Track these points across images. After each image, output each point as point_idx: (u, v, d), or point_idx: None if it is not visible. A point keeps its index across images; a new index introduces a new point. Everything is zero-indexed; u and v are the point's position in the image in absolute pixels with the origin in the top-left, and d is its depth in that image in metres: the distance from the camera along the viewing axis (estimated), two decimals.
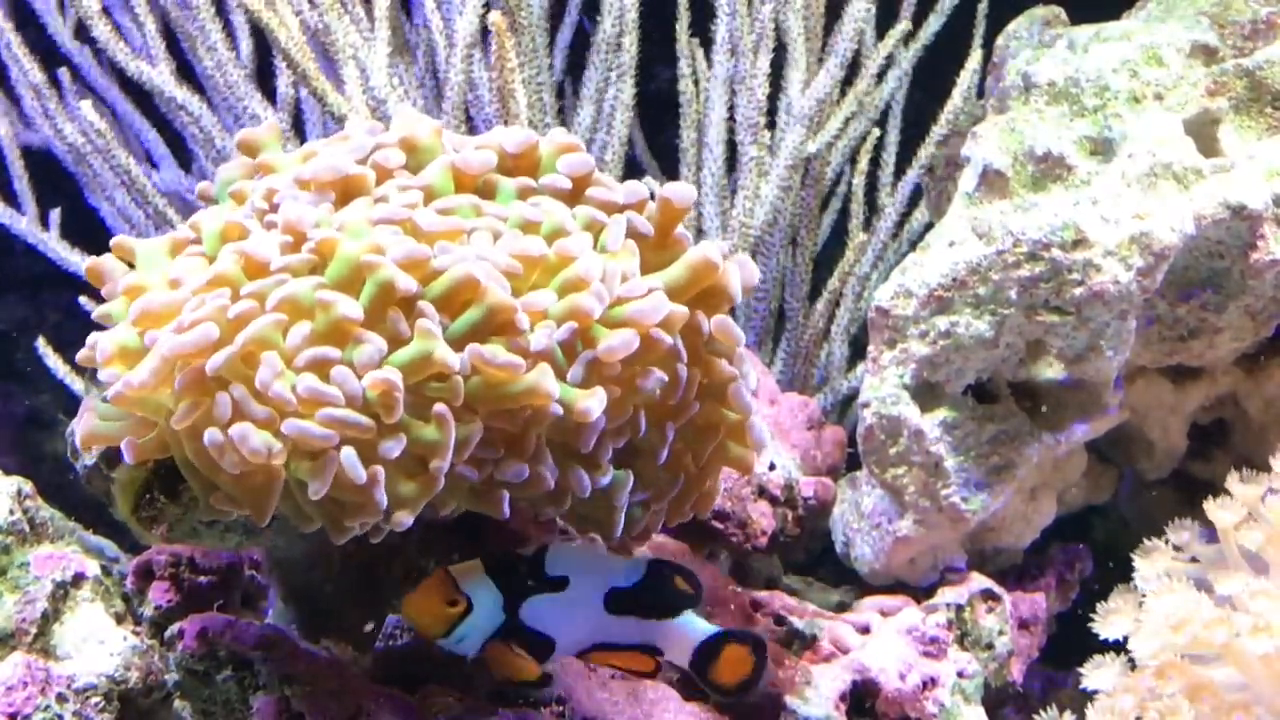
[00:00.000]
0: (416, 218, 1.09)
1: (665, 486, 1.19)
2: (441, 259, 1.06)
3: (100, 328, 1.11)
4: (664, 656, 1.17)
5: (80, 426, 1.10)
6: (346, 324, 1.03)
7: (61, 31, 2.08)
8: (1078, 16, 1.66)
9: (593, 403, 1.06)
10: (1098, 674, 1.26)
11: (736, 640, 1.17)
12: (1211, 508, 1.30)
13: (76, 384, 1.97)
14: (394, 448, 1.03)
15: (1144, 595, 1.27)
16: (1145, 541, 1.36)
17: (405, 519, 1.06)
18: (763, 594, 1.49)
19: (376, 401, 1.02)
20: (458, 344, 1.05)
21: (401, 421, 1.03)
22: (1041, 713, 1.28)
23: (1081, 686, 1.27)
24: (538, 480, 1.09)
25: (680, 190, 1.16)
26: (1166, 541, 1.36)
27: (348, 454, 1.02)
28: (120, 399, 1.04)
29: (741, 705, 1.35)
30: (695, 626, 1.16)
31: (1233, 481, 1.31)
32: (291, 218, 1.09)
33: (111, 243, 1.16)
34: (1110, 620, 1.28)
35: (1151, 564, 1.34)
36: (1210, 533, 1.34)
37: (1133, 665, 1.24)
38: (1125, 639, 1.26)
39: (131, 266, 1.15)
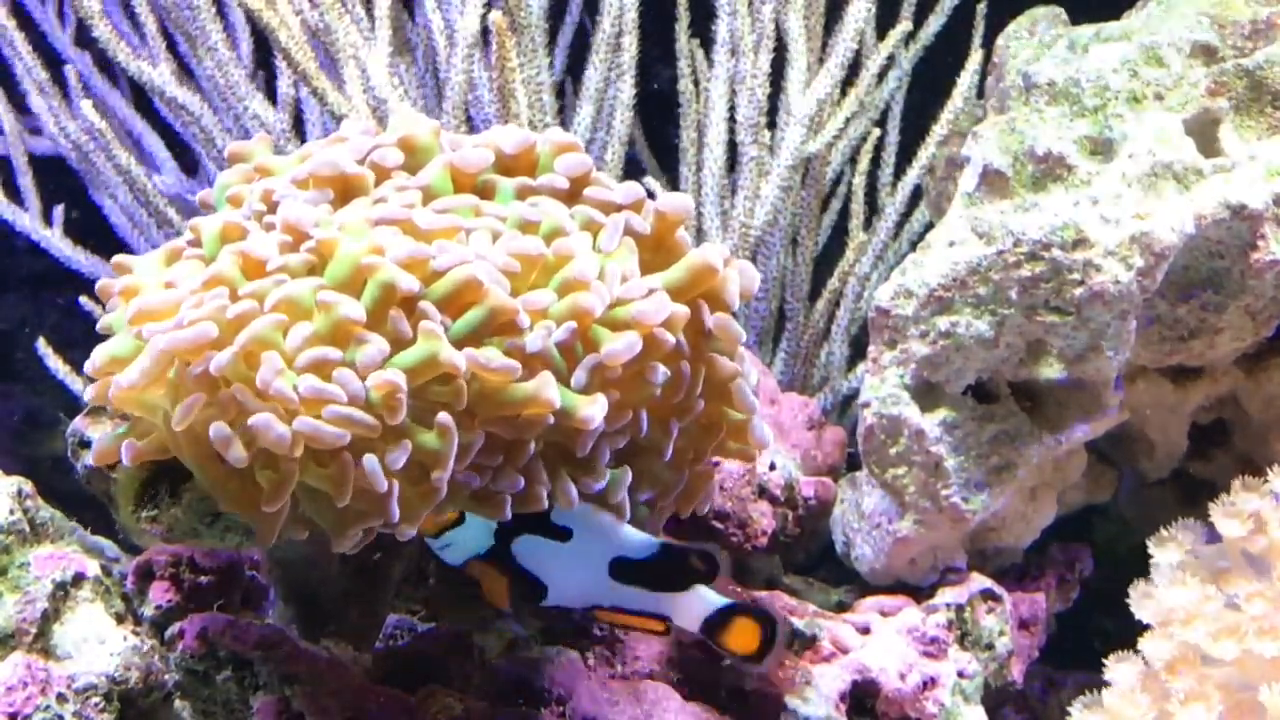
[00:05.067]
0: (415, 217, 1.09)
1: (670, 484, 1.19)
2: (441, 259, 1.06)
3: (103, 337, 1.12)
4: (674, 623, 1.19)
5: (94, 449, 1.11)
6: (349, 325, 1.03)
7: (61, 37, 2.08)
8: (1078, 16, 1.66)
9: (595, 410, 1.06)
10: (1120, 668, 1.26)
11: (746, 614, 1.19)
12: (1219, 519, 1.29)
13: (76, 384, 1.98)
14: (399, 457, 1.03)
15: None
16: (1163, 530, 1.35)
17: (409, 530, 1.07)
18: (763, 594, 1.49)
19: (380, 403, 1.01)
20: (459, 345, 1.04)
21: (405, 426, 1.03)
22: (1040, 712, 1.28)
23: (1105, 678, 1.27)
24: (534, 497, 1.10)
25: (675, 201, 1.16)
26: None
27: (370, 460, 1.02)
28: (116, 401, 1.04)
29: (741, 705, 1.36)
30: (706, 599, 1.18)
31: (1237, 489, 1.31)
32: (291, 217, 1.09)
33: (112, 262, 1.17)
34: (1144, 604, 1.28)
35: (1166, 553, 1.34)
36: (1212, 532, 1.33)
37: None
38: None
39: None
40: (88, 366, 1.08)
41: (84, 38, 1.98)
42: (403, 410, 1.02)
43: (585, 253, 1.10)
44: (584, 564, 1.16)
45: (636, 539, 1.17)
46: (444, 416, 1.03)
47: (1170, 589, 1.26)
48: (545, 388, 1.04)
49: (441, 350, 1.02)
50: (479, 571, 1.16)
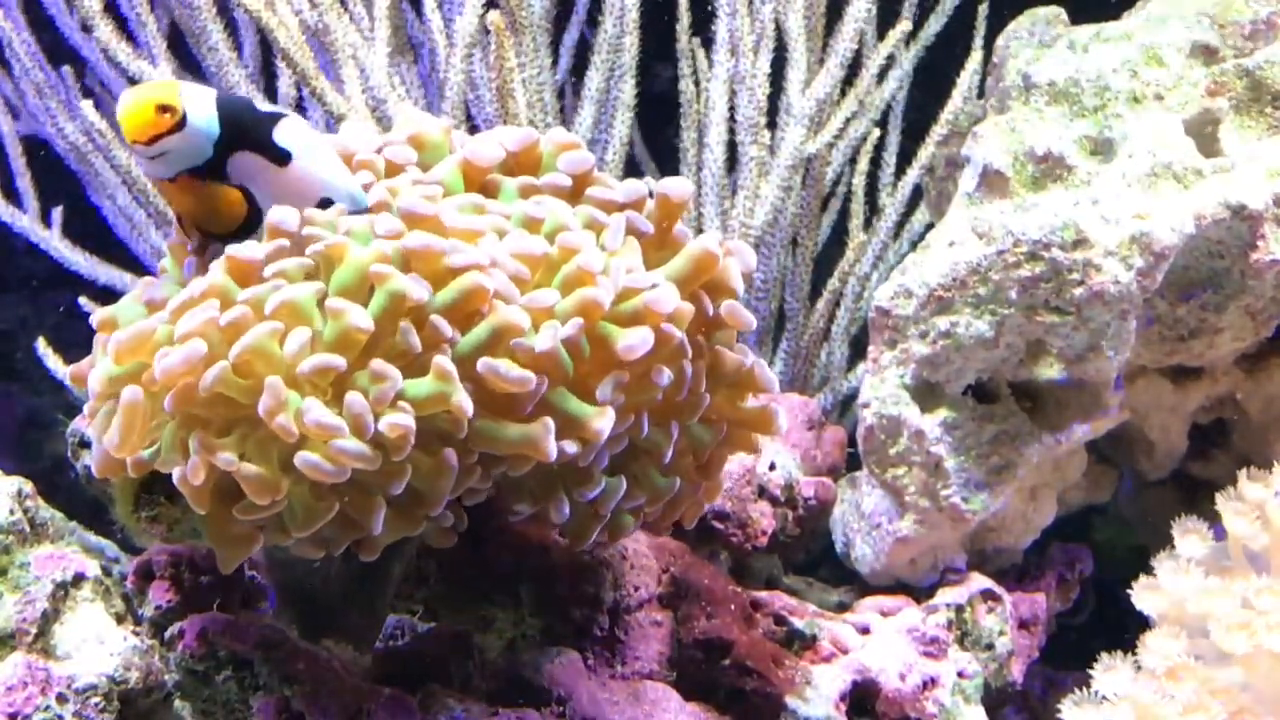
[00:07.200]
0: (442, 214, 1.09)
1: (663, 491, 1.19)
2: (455, 257, 1.05)
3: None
4: None
5: (95, 462, 1.11)
6: (356, 334, 1.02)
7: (69, 24, 2.07)
8: (1078, 17, 1.66)
9: (605, 423, 1.05)
10: (1108, 676, 1.25)
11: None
12: (1229, 515, 1.29)
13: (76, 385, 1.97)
14: (397, 487, 1.04)
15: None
16: (1185, 522, 1.34)
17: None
18: (763, 594, 1.48)
19: (391, 442, 1.01)
20: (464, 362, 1.04)
21: (407, 457, 1.03)
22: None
23: (1093, 690, 1.26)
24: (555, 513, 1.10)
25: (677, 185, 1.15)
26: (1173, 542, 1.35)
27: (378, 512, 1.04)
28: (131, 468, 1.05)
29: (741, 705, 1.35)
30: None
31: (1243, 483, 1.30)
32: (273, 219, 1.08)
33: (96, 324, 1.14)
34: (1144, 596, 1.27)
35: (1188, 542, 1.33)
36: (1213, 531, 1.33)
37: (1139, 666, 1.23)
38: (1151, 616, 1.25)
39: None
40: (89, 404, 1.09)
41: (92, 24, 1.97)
42: (409, 448, 1.01)
43: (590, 247, 1.10)
44: (298, 194, 1.09)
45: (349, 186, 1.11)
46: (450, 456, 1.03)
47: (1175, 577, 1.25)
48: (545, 439, 1.03)
49: (454, 394, 1.02)
50: (199, 190, 1.06)
